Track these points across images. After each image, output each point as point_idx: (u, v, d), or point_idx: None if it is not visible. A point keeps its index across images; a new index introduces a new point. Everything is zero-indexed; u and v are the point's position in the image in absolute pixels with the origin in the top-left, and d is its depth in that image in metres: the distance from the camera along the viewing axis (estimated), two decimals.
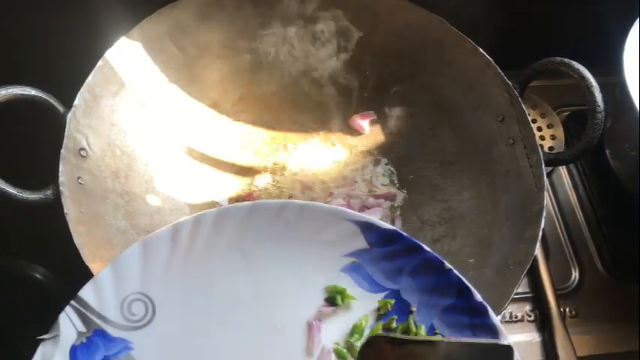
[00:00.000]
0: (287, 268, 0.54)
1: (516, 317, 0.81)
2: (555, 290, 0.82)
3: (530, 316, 0.82)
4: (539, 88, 0.98)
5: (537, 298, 0.82)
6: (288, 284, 0.56)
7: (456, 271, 0.54)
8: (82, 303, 0.52)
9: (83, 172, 0.67)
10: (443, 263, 0.55)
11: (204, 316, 0.54)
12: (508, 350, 0.46)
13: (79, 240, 0.61)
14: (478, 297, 0.53)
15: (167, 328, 0.53)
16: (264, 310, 0.55)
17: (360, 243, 0.57)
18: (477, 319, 0.52)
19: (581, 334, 0.79)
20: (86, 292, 0.52)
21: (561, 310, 0.80)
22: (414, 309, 0.55)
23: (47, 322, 0.75)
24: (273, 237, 0.57)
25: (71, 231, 0.61)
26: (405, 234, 0.56)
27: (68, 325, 0.51)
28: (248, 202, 0.57)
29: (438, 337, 0.52)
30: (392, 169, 0.86)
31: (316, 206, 0.57)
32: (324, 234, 0.57)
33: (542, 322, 0.81)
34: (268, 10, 0.83)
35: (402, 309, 0.56)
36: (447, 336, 0.53)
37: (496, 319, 0.53)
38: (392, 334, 0.50)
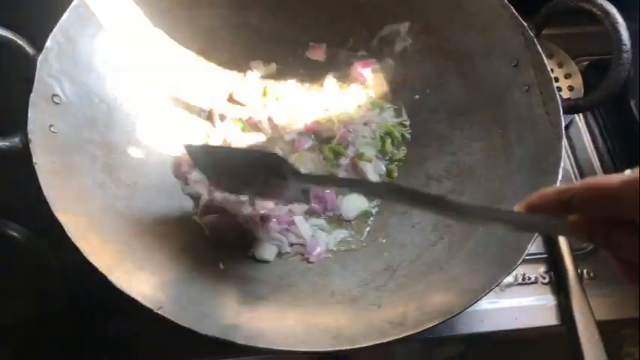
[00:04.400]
0: None
1: (529, 279, 0.76)
2: (572, 251, 0.76)
3: (544, 278, 0.76)
4: (556, 36, 0.91)
5: (552, 259, 0.77)
6: None
7: None
8: None
9: (56, 119, 0.61)
10: None
11: None
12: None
13: (49, 191, 0.55)
14: None
15: None
16: None
17: None
18: None
19: (600, 297, 0.74)
20: None
21: (578, 271, 0.75)
22: None
23: (21, 279, 0.71)
24: None
25: (40, 182, 0.55)
26: None
27: None
28: None
29: None
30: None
31: None
32: None
33: (558, 285, 0.75)
34: None
35: None
36: None
37: None
38: None
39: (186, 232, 0.68)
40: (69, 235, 0.53)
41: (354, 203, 0.75)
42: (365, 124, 0.80)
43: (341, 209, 0.75)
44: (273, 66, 0.84)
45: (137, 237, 0.62)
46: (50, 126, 0.61)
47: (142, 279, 0.56)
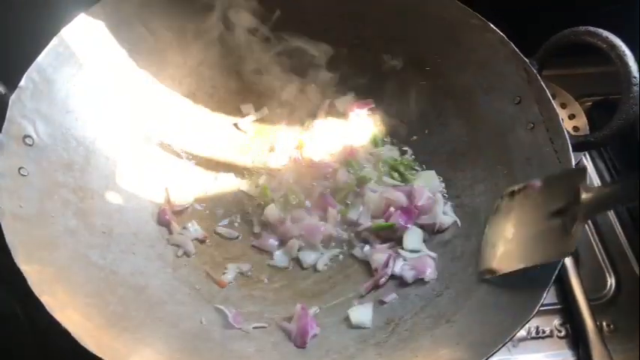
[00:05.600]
0: None
1: (544, 332, 0.70)
2: (589, 301, 0.70)
3: (560, 331, 0.70)
4: (558, 76, 0.88)
5: (568, 310, 0.71)
6: None
7: None
8: None
9: (27, 162, 0.57)
10: None
11: None
12: None
13: (12, 238, 0.51)
14: None
15: None
16: None
17: None
18: None
19: (623, 352, 0.68)
20: None
21: (597, 323, 0.69)
22: None
23: None
24: None
25: (3, 227, 0.51)
26: None
27: None
28: None
29: None
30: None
31: None
32: None
33: (576, 338, 0.69)
34: None
35: None
36: None
37: None
38: None
39: (166, 283, 0.62)
40: (31, 287, 0.48)
41: None
42: (370, 154, 0.76)
43: None
44: (265, 110, 0.80)
45: (110, 289, 0.56)
46: (20, 168, 0.56)
47: (112, 336, 0.51)
